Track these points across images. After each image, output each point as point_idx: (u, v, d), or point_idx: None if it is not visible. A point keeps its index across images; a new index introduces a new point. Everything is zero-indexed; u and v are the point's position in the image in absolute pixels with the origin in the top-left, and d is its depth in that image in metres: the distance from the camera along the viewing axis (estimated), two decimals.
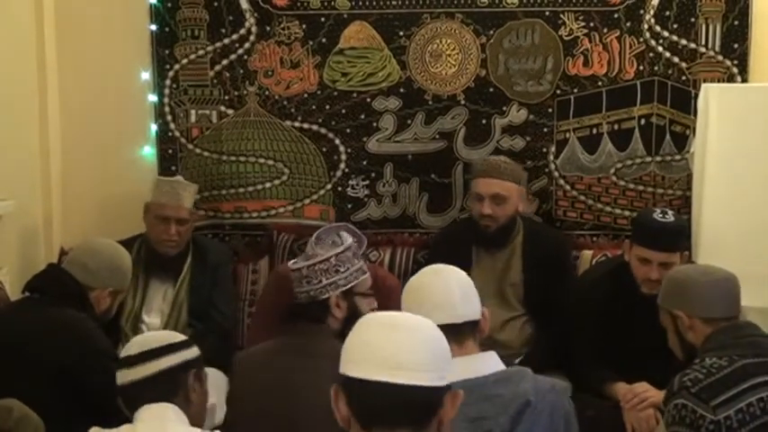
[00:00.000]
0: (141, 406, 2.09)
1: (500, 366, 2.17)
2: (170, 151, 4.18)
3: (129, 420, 2.12)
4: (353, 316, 2.55)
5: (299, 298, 2.60)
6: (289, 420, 2.41)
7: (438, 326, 2.14)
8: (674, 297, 2.68)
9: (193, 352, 2.21)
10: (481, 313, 2.22)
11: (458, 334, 2.14)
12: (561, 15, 4.01)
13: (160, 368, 2.11)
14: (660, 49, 4.00)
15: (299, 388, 2.43)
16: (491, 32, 4.04)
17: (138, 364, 2.12)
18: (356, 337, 1.60)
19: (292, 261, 2.73)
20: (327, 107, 4.12)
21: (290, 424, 2.41)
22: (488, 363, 2.16)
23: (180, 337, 2.22)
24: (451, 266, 2.27)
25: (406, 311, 2.22)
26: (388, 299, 3.46)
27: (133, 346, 2.17)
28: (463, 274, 2.25)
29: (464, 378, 2.05)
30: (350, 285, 2.62)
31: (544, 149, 4.09)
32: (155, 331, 2.26)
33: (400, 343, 1.55)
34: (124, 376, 2.14)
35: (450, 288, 2.17)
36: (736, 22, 3.95)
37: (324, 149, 4.15)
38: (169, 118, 4.16)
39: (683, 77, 4.00)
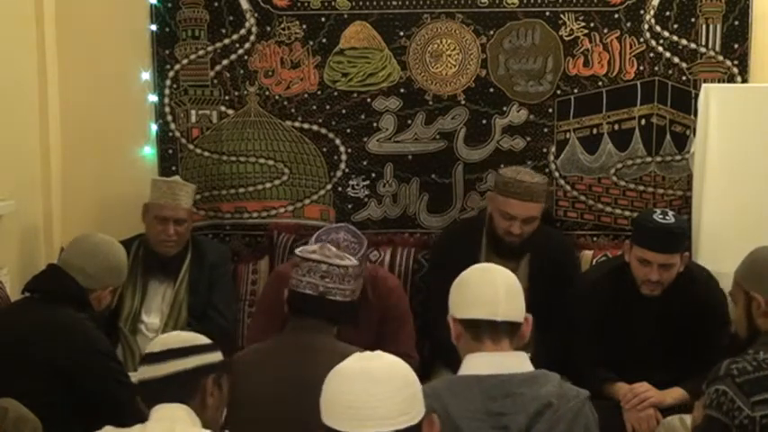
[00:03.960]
0: (157, 404, 2.08)
1: (529, 367, 2.19)
2: (170, 151, 4.18)
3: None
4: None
5: (332, 293, 2.58)
6: (300, 418, 2.39)
7: (476, 320, 2.15)
8: (757, 279, 2.63)
9: (217, 356, 2.19)
10: (524, 318, 2.23)
11: (494, 332, 2.18)
12: (561, 16, 4.01)
13: (179, 368, 2.10)
14: (660, 49, 4.00)
15: (307, 384, 2.41)
16: (491, 33, 4.04)
17: (159, 362, 2.11)
18: (333, 389, 1.67)
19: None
20: (328, 107, 4.12)
21: (302, 421, 2.38)
22: (518, 362, 2.19)
23: (205, 340, 2.20)
24: (502, 267, 2.29)
25: (451, 304, 2.24)
26: (388, 299, 3.47)
27: (157, 344, 2.16)
28: (512, 275, 2.27)
29: (493, 373, 2.11)
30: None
31: (544, 150, 4.09)
32: (181, 331, 2.24)
33: (375, 396, 1.63)
34: (143, 372, 2.13)
35: (494, 286, 2.20)
36: (736, 23, 3.94)
37: (324, 149, 4.15)
38: (169, 118, 4.16)
39: (684, 78, 4.00)
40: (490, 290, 2.20)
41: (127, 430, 2.06)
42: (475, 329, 2.19)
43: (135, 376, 3.13)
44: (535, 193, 3.58)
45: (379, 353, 1.75)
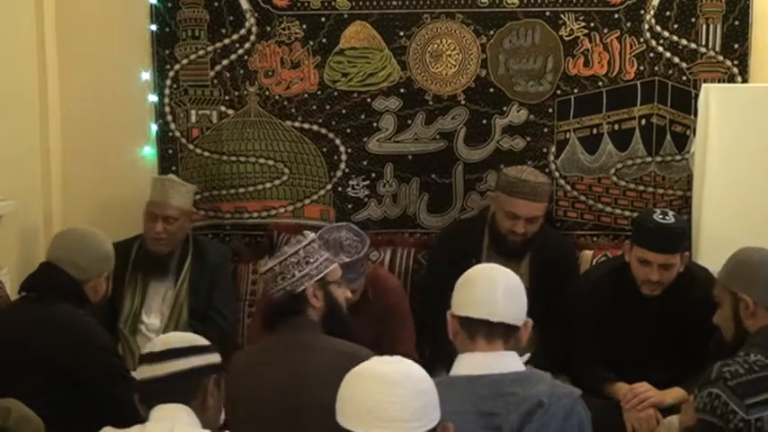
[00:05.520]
0: (157, 404, 2.07)
1: (520, 367, 2.19)
2: (170, 151, 4.18)
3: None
4: (331, 305, 2.64)
5: (276, 297, 2.61)
6: (295, 415, 2.40)
7: (472, 318, 2.16)
8: (744, 280, 2.62)
9: (216, 357, 2.18)
10: (523, 323, 2.23)
11: (489, 332, 2.18)
12: (561, 15, 4.01)
13: (181, 368, 2.08)
14: (660, 49, 4.00)
15: (303, 382, 2.43)
16: (491, 33, 4.04)
17: (160, 362, 2.09)
18: (349, 390, 1.68)
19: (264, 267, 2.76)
20: (328, 107, 4.12)
21: (296, 418, 2.40)
22: (509, 362, 2.19)
23: (204, 341, 2.19)
24: (506, 269, 2.29)
25: (453, 301, 2.25)
26: (388, 299, 3.48)
27: (157, 344, 2.14)
28: (515, 278, 2.26)
29: (484, 373, 2.11)
30: (322, 274, 2.65)
31: (544, 150, 4.09)
32: (180, 332, 2.23)
33: (389, 398, 1.64)
34: (143, 372, 2.11)
35: (494, 286, 2.20)
36: (736, 23, 3.94)
37: (324, 149, 4.15)
38: (169, 118, 4.16)
39: (684, 77, 4.00)
40: (489, 290, 2.20)
41: (126, 430, 2.05)
42: (470, 328, 2.19)
43: (134, 375, 3.15)
44: (539, 192, 3.59)
45: (399, 358, 1.74)
